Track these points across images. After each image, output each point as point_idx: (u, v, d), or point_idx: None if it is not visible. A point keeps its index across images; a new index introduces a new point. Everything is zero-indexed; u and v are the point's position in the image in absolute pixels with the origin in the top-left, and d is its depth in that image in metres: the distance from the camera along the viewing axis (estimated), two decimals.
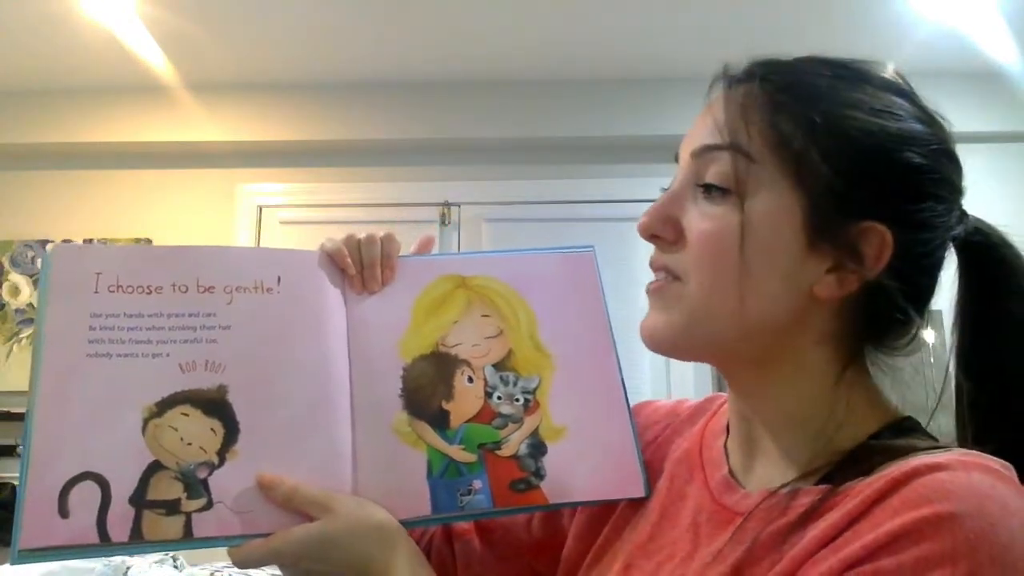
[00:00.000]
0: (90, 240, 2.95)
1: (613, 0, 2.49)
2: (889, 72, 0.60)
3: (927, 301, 0.58)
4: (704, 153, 0.58)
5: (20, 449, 0.61)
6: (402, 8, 2.53)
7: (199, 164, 3.01)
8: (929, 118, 0.58)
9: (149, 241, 2.95)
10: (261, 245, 2.95)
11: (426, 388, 0.69)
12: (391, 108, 2.97)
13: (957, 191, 0.58)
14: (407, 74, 2.92)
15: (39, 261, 2.90)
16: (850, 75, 0.58)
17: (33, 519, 0.58)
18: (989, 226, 0.59)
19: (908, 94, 0.58)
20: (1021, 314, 0.57)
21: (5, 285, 2.93)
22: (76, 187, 3.01)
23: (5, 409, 2.71)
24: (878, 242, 0.54)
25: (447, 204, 2.97)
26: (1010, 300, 0.57)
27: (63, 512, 0.58)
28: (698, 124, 0.61)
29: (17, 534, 0.57)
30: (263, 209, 2.99)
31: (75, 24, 2.56)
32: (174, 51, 2.74)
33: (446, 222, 2.96)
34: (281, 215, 2.99)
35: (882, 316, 0.56)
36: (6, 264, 2.94)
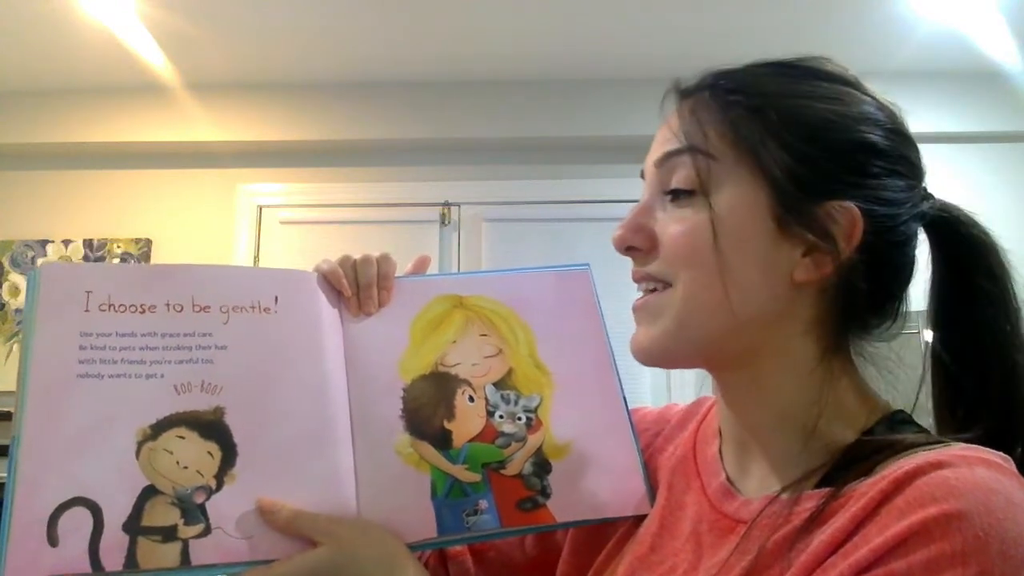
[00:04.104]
0: (90, 240, 2.95)
1: (613, 0, 2.49)
2: (833, 66, 0.61)
3: (905, 279, 0.59)
4: (665, 161, 0.60)
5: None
6: (402, 8, 2.53)
7: (199, 164, 3.01)
8: (877, 103, 0.60)
9: (149, 241, 2.95)
10: (261, 245, 2.95)
11: (427, 408, 0.68)
12: (391, 108, 2.97)
13: (916, 168, 0.59)
14: (407, 74, 2.92)
15: (39, 261, 2.90)
16: (796, 72, 0.60)
17: (20, 548, 0.55)
18: (955, 206, 0.61)
19: (855, 84, 0.60)
20: (991, 289, 0.58)
21: (5, 285, 2.93)
22: (76, 187, 3.01)
23: (5, 409, 2.71)
24: (847, 221, 0.55)
25: (447, 204, 2.96)
26: (979, 276, 0.58)
27: (52, 540, 0.56)
28: (658, 138, 0.62)
29: (1, 565, 0.54)
30: (263, 209, 2.99)
31: (75, 24, 2.56)
32: (174, 51, 2.74)
33: (446, 222, 2.96)
34: (281, 215, 2.99)
35: (861, 295, 0.57)
36: (6, 264, 2.94)
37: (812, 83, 0.59)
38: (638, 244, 0.60)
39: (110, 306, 0.64)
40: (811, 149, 0.56)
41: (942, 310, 0.60)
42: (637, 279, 0.62)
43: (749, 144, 0.56)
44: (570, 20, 2.60)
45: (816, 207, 0.55)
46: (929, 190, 0.60)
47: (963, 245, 0.59)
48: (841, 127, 0.56)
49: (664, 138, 0.61)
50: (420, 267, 0.78)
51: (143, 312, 0.65)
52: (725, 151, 0.57)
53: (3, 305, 2.92)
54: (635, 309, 0.62)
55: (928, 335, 0.60)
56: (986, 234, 0.60)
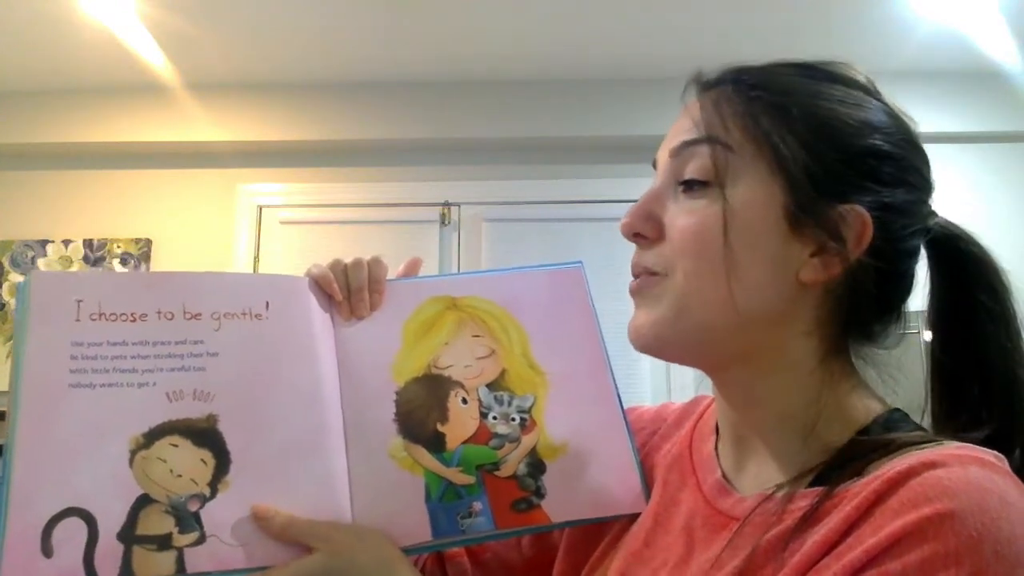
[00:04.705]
0: (90, 240, 2.95)
1: (614, 0, 2.49)
2: (853, 72, 0.62)
3: (906, 291, 0.59)
4: (682, 150, 0.60)
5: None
6: (402, 8, 2.53)
7: (199, 164, 3.01)
8: (893, 112, 0.60)
9: (149, 241, 2.95)
10: (261, 245, 2.95)
11: (420, 411, 0.68)
12: (391, 108, 2.97)
13: (927, 182, 0.60)
14: (407, 74, 2.92)
15: (39, 261, 2.90)
16: (818, 74, 0.60)
17: (14, 559, 0.55)
18: (957, 224, 0.61)
19: (872, 91, 0.61)
20: (992, 307, 0.58)
21: (5, 285, 2.93)
22: (76, 187, 3.01)
23: (4, 409, 2.71)
24: (858, 225, 0.55)
25: (447, 204, 2.96)
26: (980, 292, 0.58)
27: (47, 551, 0.56)
28: (675, 128, 0.62)
29: None
30: (263, 209, 2.99)
31: (75, 24, 2.56)
32: (174, 51, 2.74)
33: (446, 222, 2.96)
34: (281, 215, 2.99)
35: (865, 301, 0.57)
36: (6, 264, 2.94)
37: (833, 86, 0.59)
38: (645, 232, 0.60)
39: (101, 315, 0.64)
40: (829, 150, 0.56)
41: (943, 326, 0.60)
42: (637, 270, 0.61)
43: (769, 139, 0.56)
44: (570, 20, 2.60)
45: (829, 208, 0.55)
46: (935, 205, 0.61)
47: (965, 262, 0.59)
48: (860, 132, 0.57)
49: (683, 128, 0.60)
50: (411, 269, 0.78)
51: (134, 320, 0.65)
52: (744, 144, 0.57)
53: (3, 305, 2.92)
54: (633, 292, 0.62)
55: (927, 335, 0.61)
56: (987, 252, 0.60)
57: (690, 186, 0.58)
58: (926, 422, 0.59)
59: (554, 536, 0.73)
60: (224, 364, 0.65)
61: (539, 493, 0.66)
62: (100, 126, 2.96)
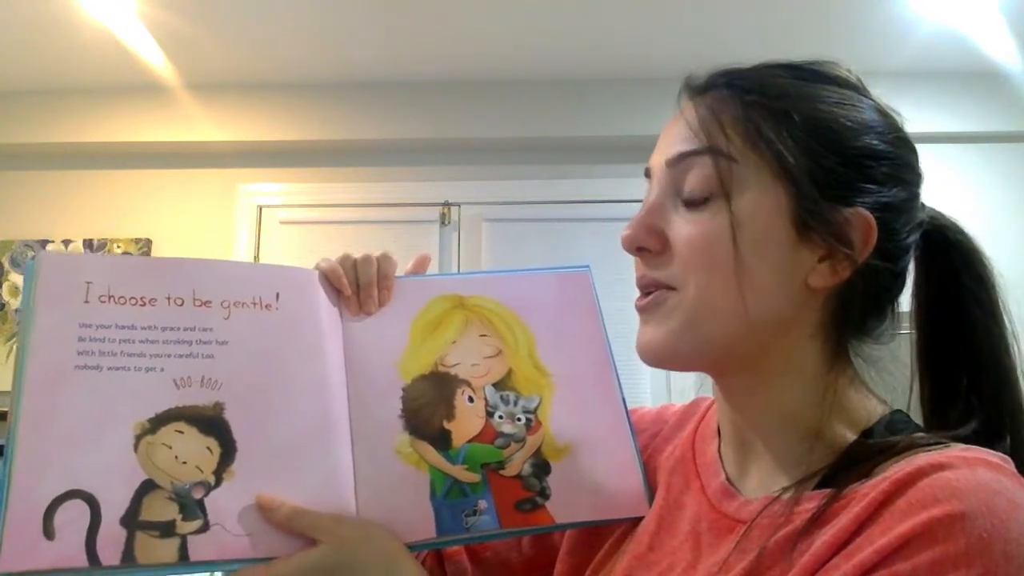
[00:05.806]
0: (90, 240, 2.95)
1: (614, 0, 2.49)
2: (842, 71, 0.62)
3: (903, 285, 0.60)
4: (681, 161, 0.59)
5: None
6: (402, 8, 2.53)
7: (199, 164, 3.01)
8: (883, 110, 0.60)
9: (149, 241, 2.95)
10: (261, 245, 2.95)
11: (427, 408, 0.68)
12: (391, 108, 2.97)
13: (918, 176, 0.60)
14: (407, 74, 2.92)
15: None
16: (809, 75, 0.60)
17: (15, 540, 0.54)
18: (943, 213, 0.61)
19: (862, 90, 0.61)
20: (980, 295, 0.58)
21: (5, 285, 2.93)
22: (76, 187, 3.01)
23: (5, 409, 2.71)
24: (863, 227, 0.55)
25: (447, 204, 2.96)
26: (968, 280, 0.59)
27: (48, 533, 0.55)
28: (668, 135, 0.61)
29: None
30: (263, 209, 2.99)
31: (75, 24, 2.55)
32: (174, 51, 2.73)
33: (446, 222, 2.96)
34: (281, 215, 2.98)
35: (869, 301, 0.57)
36: (6, 264, 2.94)
37: (826, 87, 0.59)
38: (650, 246, 0.59)
39: (110, 298, 0.64)
40: (830, 154, 0.56)
41: (931, 316, 0.60)
42: (644, 284, 0.61)
43: (771, 147, 0.56)
44: (571, 20, 2.60)
45: (835, 213, 0.55)
46: (927, 193, 0.61)
47: (953, 251, 0.60)
48: (856, 133, 0.57)
49: (680, 135, 0.59)
50: (420, 266, 0.78)
51: (143, 305, 0.64)
52: (746, 153, 0.57)
53: (3, 305, 2.92)
54: (641, 308, 0.61)
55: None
56: (973, 241, 0.60)
57: (693, 197, 0.58)
58: (912, 414, 0.59)
59: (554, 537, 0.73)
60: (233, 353, 0.65)
61: (544, 494, 0.66)
62: (100, 126, 2.96)
